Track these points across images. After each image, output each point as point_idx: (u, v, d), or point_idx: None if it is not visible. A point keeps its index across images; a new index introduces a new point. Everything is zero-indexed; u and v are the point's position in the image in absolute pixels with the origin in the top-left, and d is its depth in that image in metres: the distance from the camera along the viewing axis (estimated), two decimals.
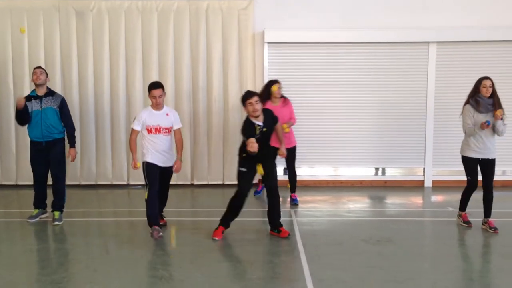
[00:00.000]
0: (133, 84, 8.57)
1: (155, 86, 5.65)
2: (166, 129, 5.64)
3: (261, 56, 8.63)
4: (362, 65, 8.64)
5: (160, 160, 5.63)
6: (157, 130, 5.59)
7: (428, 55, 8.60)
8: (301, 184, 8.78)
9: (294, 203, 7.23)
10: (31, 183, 6.47)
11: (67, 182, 8.65)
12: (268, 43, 8.58)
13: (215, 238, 5.45)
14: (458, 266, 4.66)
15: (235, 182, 8.63)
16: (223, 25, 8.51)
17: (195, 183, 8.75)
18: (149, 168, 5.57)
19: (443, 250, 5.13)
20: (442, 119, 8.69)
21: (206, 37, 8.53)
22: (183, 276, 4.34)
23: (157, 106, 5.63)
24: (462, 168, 8.74)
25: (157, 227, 5.47)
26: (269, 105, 6.68)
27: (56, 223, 6.07)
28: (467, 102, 5.82)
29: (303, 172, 9.02)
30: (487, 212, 5.85)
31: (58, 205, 6.24)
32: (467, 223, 5.93)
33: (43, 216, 6.38)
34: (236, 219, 6.47)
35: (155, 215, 5.54)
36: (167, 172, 5.80)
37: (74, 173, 8.75)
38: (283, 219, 6.05)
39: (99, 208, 7.32)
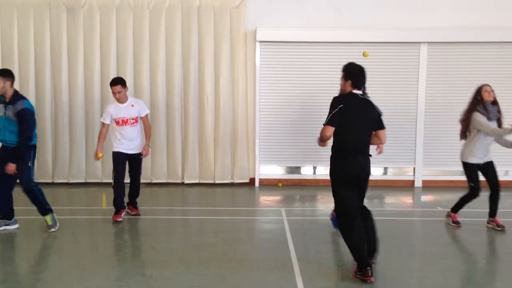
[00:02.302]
0: None
1: (113, 83, 5.99)
2: (132, 119, 6.07)
3: (252, 54, 8.62)
4: None
5: (127, 148, 6.08)
6: (124, 122, 6.03)
7: (419, 56, 8.65)
8: (291, 184, 8.84)
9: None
10: None
11: (61, 180, 8.66)
12: (260, 41, 8.58)
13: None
14: (446, 265, 4.68)
15: (226, 181, 8.80)
16: (215, 23, 8.49)
17: (186, 181, 8.72)
18: (116, 156, 6.08)
19: (432, 249, 5.16)
20: (433, 119, 8.74)
21: (198, 35, 8.51)
22: (172, 274, 4.32)
23: (118, 101, 6.03)
24: (452, 168, 8.88)
25: (121, 213, 6.14)
26: None
27: (52, 230, 5.59)
28: (473, 110, 5.70)
29: (294, 171, 9.05)
30: (494, 212, 5.85)
31: (43, 209, 5.64)
32: (456, 223, 5.96)
33: (8, 227, 5.65)
34: (227, 217, 6.49)
35: (118, 200, 6.12)
36: (135, 160, 6.20)
37: (63, 171, 8.70)
38: (273, 218, 6.04)
39: (88, 206, 7.27)
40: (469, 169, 5.82)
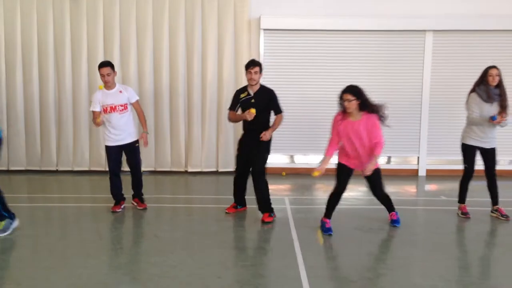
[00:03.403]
0: (127, 70, 8.50)
1: (103, 64, 5.79)
2: (121, 105, 5.84)
3: (256, 43, 8.58)
4: (358, 53, 8.60)
5: (117, 139, 5.90)
6: (112, 108, 5.81)
7: (425, 44, 8.58)
8: (295, 172, 8.84)
9: (393, 224, 5.55)
10: None
11: (65, 168, 8.69)
12: (264, 29, 8.52)
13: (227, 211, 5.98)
14: (449, 254, 4.68)
15: (230, 169, 8.78)
16: (219, 11, 8.43)
17: (189, 170, 8.74)
18: (107, 150, 5.98)
19: (435, 238, 5.15)
20: (438, 108, 8.69)
21: (201, 23, 8.46)
22: (175, 262, 4.33)
23: (106, 84, 5.79)
24: (456, 158, 8.79)
25: (121, 204, 6.11)
26: (348, 120, 5.03)
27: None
28: (473, 91, 5.71)
29: (297, 160, 9.06)
30: (495, 200, 5.86)
31: None
32: (465, 214, 5.93)
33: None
34: None
35: (115, 192, 6.08)
36: (129, 149, 6.00)
37: (67, 159, 8.73)
38: (276, 207, 6.07)
39: (92, 194, 7.30)
40: (465, 150, 5.83)
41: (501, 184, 8.13)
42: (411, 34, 8.57)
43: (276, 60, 8.67)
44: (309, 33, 8.56)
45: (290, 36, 8.60)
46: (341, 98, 4.99)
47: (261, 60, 8.57)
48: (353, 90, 4.94)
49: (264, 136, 5.51)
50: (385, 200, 5.54)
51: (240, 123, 5.87)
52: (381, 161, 9.04)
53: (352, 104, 4.91)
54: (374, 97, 8.49)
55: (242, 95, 5.66)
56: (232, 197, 6.08)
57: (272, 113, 5.76)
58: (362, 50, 8.60)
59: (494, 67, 5.66)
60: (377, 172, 5.16)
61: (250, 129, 5.63)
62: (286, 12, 8.50)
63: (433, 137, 8.77)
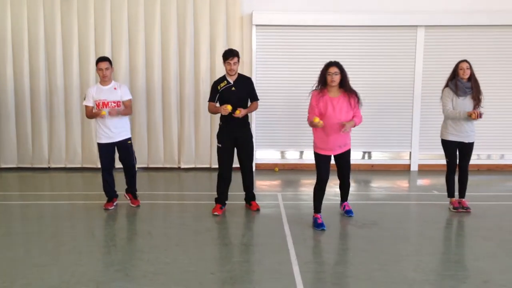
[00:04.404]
0: (118, 66, 8.44)
1: (102, 59, 5.81)
2: (114, 102, 5.81)
3: (249, 39, 8.56)
4: (350, 49, 8.60)
5: (110, 136, 5.86)
6: (105, 104, 5.77)
7: (416, 39, 8.61)
8: (288, 168, 8.86)
9: (349, 214, 5.75)
10: None
11: (57, 165, 8.64)
12: (256, 25, 8.51)
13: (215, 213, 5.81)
14: (441, 249, 4.71)
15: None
16: (211, 7, 8.40)
17: (182, 166, 8.73)
18: (100, 148, 5.96)
19: (427, 233, 5.19)
20: (429, 103, 8.71)
21: (193, 19, 8.43)
22: (169, 258, 4.33)
23: (104, 78, 5.78)
24: None
25: (113, 201, 6.13)
26: (327, 96, 5.16)
27: None
28: (446, 86, 5.90)
29: (291, 155, 9.07)
30: (462, 193, 6.03)
31: None
32: (456, 208, 5.98)
33: None
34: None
35: (107, 189, 6.09)
36: (122, 146, 5.98)
37: (60, 156, 8.69)
38: (269, 203, 6.07)
39: (84, 191, 7.27)
40: (446, 146, 5.96)
41: (493, 178, 8.29)
42: (403, 30, 8.59)
43: (268, 56, 8.66)
44: (302, 29, 8.55)
45: (282, 32, 8.59)
46: (326, 70, 5.10)
47: (254, 56, 8.58)
48: (339, 64, 5.12)
49: (240, 113, 5.53)
50: (346, 188, 5.69)
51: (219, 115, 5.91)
52: (373, 156, 9.10)
53: (338, 77, 5.04)
54: (365, 92, 8.63)
55: (221, 85, 5.71)
56: (214, 195, 6.05)
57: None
58: (354, 46, 8.61)
59: (464, 60, 5.79)
60: (347, 154, 5.36)
61: (231, 118, 5.61)
62: (278, 8, 8.48)
63: (425, 132, 8.80)
